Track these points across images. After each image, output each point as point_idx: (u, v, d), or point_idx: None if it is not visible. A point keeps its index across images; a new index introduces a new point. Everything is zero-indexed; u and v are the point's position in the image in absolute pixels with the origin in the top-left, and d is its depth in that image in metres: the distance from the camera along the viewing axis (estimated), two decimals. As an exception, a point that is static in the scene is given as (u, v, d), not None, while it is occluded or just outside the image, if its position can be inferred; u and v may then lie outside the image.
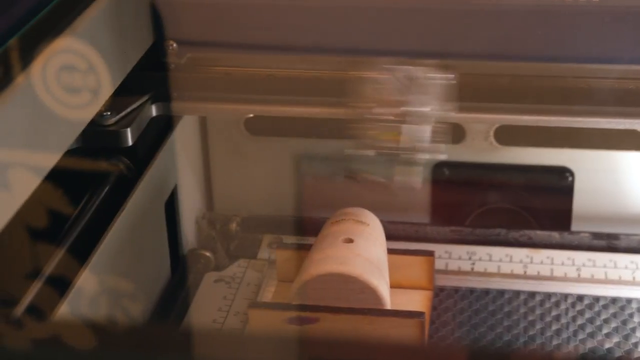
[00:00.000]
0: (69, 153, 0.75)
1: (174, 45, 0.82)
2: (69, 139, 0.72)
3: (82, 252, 0.73)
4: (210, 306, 0.83)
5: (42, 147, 0.68)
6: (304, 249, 0.80)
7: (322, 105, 0.81)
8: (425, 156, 0.78)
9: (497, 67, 0.80)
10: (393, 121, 0.77)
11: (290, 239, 0.89)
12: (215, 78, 0.83)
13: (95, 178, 0.79)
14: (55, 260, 0.71)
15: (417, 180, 0.78)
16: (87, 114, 0.74)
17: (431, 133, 0.78)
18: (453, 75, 0.78)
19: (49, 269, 0.70)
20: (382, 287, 0.75)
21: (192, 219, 0.91)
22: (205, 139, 0.93)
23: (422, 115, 0.77)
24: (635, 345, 0.76)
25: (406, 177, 0.78)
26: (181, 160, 0.88)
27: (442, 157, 0.79)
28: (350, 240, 0.77)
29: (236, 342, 0.61)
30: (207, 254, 0.88)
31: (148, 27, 0.82)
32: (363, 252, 0.76)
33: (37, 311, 0.67)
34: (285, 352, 0.58)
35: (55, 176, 0.69)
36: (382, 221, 0.82)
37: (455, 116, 0.79)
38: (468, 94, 0.79)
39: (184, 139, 0.89)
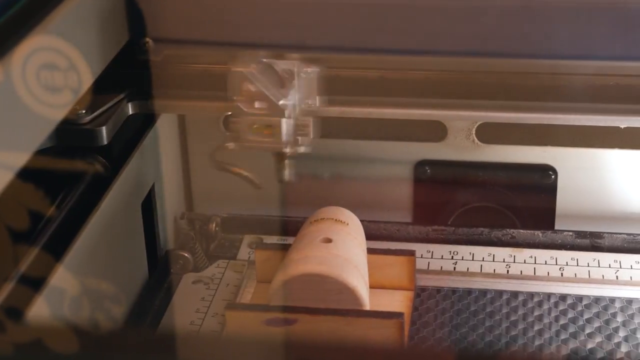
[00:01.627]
0: (44, 152, 0.74)
1: (150, 42, 0.81)
2: (40, 137, 0.71)
3: (55, 253, 0.72)
4: (188, 308, 0.82)
5: (12, 145, 0.67)
6: (283, 249, 0.80)
7: None
8: (290, 149, 0.78)
9: (478, 64, 0.79)
10: (258, 115, 0.77)
11: (271, 239, 0.88)
12: (193, 75, 0.82)
13: (70, 177, 0.78)
14: (28, 260, 0.70)
15: (287, 173, 0.78)
16: (60, 112, 0.73)
17: (295, 127, 0.77)
18: (318, 69, 0.77)
19: (21, 269, 0.69)
20: (361, 287, 0.74)
21: (170, 219, 0.90)
22: (184, 137, 0.92)
23: (287, 109, 0.77)
24: (618, 345, 0.76)
25: (277, 171, 0.78)
26: (159, 159, 0.87)
27: (304, 150, 0.78)
28: (329, 240, 0.76)
29: (212, 346, 0.61)
30: (186, 254, 0.86)
31: (124, 24, 0.81)
32: (342, 252, 0.75)
33: (8, 311, 0.66)
34: (264, 355, 0.58)
35: (30, 175, 0.68)
36: (363, 220, 0.82)
37: (318, 110, 0.78)
38: (449, 91, 0.79)
39: (161, 138, 0.87)
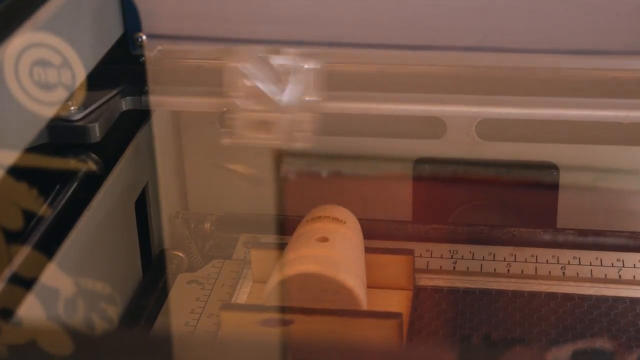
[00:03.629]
0: (35, 149, 0.73)
1: (143, 37, 0.80)
2: (31, 134, 0.70)
3: (47, 251, 0.71)
4: (183, 308, 0.81)
5: (2, 142, 0.66)
6: (280, 249, 0.79)
7: None
8: (294, 146, 0.76)
9: (478, 59, 0.78)
10: (259, 111, 0.75)
11: (268, 238, 0.87)
12: (187, 71, 0.81)
13: (62, 175, 0.77)
14: (18, 259, 0.69)
15: (290, 170, 0.77)
16: (51, 109, 0.72)
17: (296, 123, 0.76)
18: (317, 65, 0.76)
19: (12, 268, 0.68)
20: (358, 287, 0.73)
21: (165, 217, 0.88)
22: (179, 134, 0.91)
23: (288, 105, 0.75)
24: (621, 345, 0.75)
25: (278, 168, 0.77)
26: (153, 156, 0.86)
27: (305, 146, 0.77)
28: (325, 239, 0.75)
29: (207, 347, 0.60)
30: (180, 254, 0.85)
31: (117, 19, 0.80)
32: (338, 251, 0.74)
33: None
34: (259, 356, 0.57)
35: (21, 173, 0.68)
36: (361, 219, 0.81)
37: (322, 106, 0.77)
38: (448, 87, 0.78)
39: (155, 135, 0.86)
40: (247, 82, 0.75)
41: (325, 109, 0.78)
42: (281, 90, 0.75)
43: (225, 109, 0.88)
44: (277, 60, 0.76)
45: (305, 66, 0.76)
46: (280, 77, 0.76)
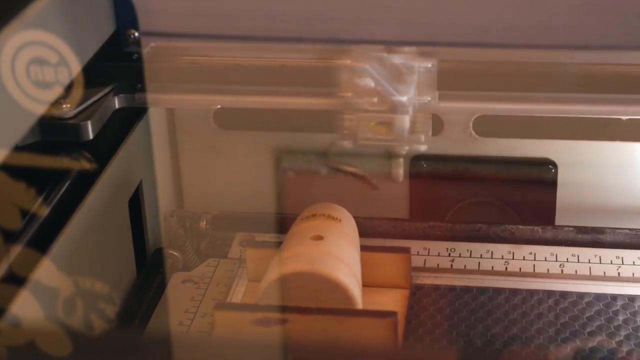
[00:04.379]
0: (27, 147, 0.73)
1: (136, 34, 0.80)
2: (21, 131, 0.69)
3: (39, 251, 0.70)
4: (177, 308, 0.80)
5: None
6: (275, 247, 0.78)
7: (296, 96, 0.79)
8: (406, 147, 0.75)
9: (475, 54, 0.78)
10: (372, 111, 0.75)
11: (264, 237, 0.86)
12: (181, 68, 0.80)
13: (55, 174, 0.76)
14: (10, 258, 0.68)
15: (400, 172, 0.76)
16: (42, 106, 0.71)
17: (411, 123, 0.75)
18: (433, 63, 0.76)
19: (2, 267, 0.67)
20: (353, 285, 0.72)
21: (159, 216, 0.88)
22: (174, 132, 0.91)
23: (402, 105, 0.74)
24: (620, 344, 0.74)
25: (389, 170, 0.76)
26: (147, 154, 0.85)
27: (423, 148, 0.77)
28: (320, 237, 0.74)
29: (201, 347, 0.60)
30: (175, 253, 0.85)
31: (110, 15, 0.79)
32: (333, 249, 0.73)
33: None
34: (253, 356, 0.56)
35: (13, 171, 0.67)
36: (358, 217, 0.80)
37: (436, 106, 0.77)
38: (445, 82, 0.77)
39: (149, 133, 0.86)
40: (365, 82, 0.73)
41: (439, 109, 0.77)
42: (397, 90, 0.74)
43: (218, 106, 0.88)
44: (393, 60, 0.75)
45: (423, 65, 0.75)
46: (397, 77, 0.74)
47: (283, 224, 0.84)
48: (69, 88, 0.74)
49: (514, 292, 0.79)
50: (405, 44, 0.76)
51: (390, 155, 0.77)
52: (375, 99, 0.74)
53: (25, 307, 0.67)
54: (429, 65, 0.76)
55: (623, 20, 0.75)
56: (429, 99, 0.76)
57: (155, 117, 0.88)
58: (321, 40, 0.78)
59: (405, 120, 0.75)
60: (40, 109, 0.71)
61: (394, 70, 0.74)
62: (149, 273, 0.84)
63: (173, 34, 0.81)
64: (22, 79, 0.67)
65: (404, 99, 0.75)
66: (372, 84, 0.73)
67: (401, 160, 0.77)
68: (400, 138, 0.75)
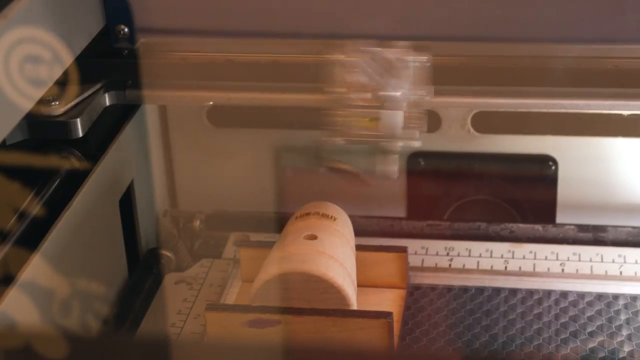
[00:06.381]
0: (15, 145, 0.73)
1: (125, 29, 0.78)
2: (7, 127, 0.68)
3: (27, 250, 0.69)
4: (170, 309, 0.79)
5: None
6: (269, 247, 0.77)
7: (289, 92, 0.78)
8: (400, 143, 0.74)
9: (473, 49, 0.77)
10: (366, 107, 0.74)
11: (258, 237, 0.85)
12: (172, 64, 0.79)
13: (43, 172, 0.76)
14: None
15: (394, 169, 0.75)
16: (29, 102, 0.70)
17: (405, 119, 0.75)
18: (427, 57, 0.75)
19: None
20: (347, 286, 0.71)
21: (152, 216, 0.87)
22: (166, 130, 0.90)
23: (396, 100, 0.73)
24: (621, 344, 0.73)
25: (382, 166, 0.75)
26: (139, 153, 0.84)
27: (417, 144, 0.75)
28: (314, 237, 0.73)
29: (192, 349, 0.59)
30: (168, 253, 0.83)
31: (99, 10, 0.78)
32: (327, 249, 0.72)
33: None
34: (245, 358, 0.55)
35: (2, 170, 0.67)
36: (355, 216, 0.79)
37: (430, 101, 0.75)
38: (442, 78, 0.76)
39: (141, 130, 0.85)
40: (356, 77, 0.72)
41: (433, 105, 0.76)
42: (391, 85, 0.73)
43: (211, 103, 0.87)
44: (386, 54, 0.73)
45: (417, 60, 0.74)
46: (390, 72, 0.73)
47: (278, 223, 0.83)
48: (58, 85, 0.74)
49: (514, 291, 0.78)
50: (398, 38, 0.74)
51: (384, 152, 0.76)
52: (368, 95, 0.73)
53: (14, 307, 0.66)
54: (423, 60, 0.74)
55: (623, 14, 0.74)
56: (424, 94, 0.74)
57: (147, 114, 0.87)
58: (314, 35, 0.77)
59: (399, 116, 0.74)
60: (27, 105, 0.70)
61: (387, 65, 0.73)
62: (142, 274, 0.82)
63: (165, 30, 0.80)
64: (9, 74, 0.66)
65: (398, 94, 0.73)
66: (365, 79, 0.72)
67: (396, 156, 0.76)
68: (394, 134, 0.74)
